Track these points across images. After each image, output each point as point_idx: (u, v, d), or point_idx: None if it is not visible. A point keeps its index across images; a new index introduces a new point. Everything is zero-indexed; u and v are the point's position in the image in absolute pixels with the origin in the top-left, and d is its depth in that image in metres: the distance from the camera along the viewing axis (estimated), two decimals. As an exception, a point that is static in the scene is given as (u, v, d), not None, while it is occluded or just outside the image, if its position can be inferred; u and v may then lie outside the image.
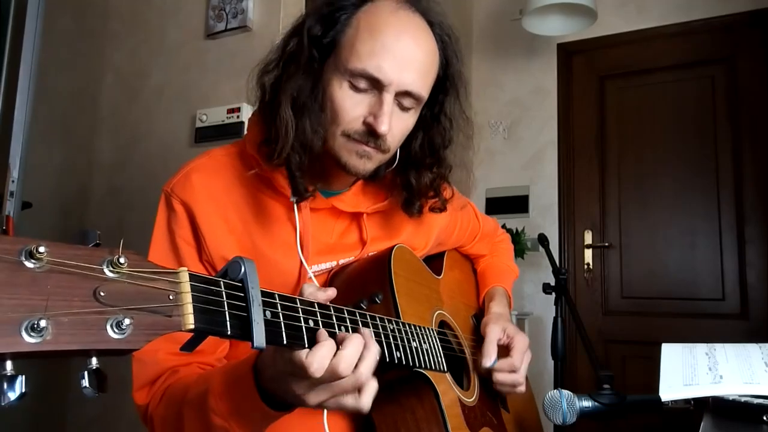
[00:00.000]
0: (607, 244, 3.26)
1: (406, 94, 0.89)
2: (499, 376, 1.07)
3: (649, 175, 3.20)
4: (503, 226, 1.52)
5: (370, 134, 0.88)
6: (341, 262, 1.01)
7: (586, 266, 3.29)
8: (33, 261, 0.44)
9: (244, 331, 0.60)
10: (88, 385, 0.48)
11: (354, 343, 0.69)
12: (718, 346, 0.98)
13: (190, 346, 0.59)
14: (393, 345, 0.82)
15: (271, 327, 0.63)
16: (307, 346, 0.66)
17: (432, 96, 0.97)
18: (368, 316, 0.80)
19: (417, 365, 0.87)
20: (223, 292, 0.59)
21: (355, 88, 0.88)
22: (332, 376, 0.67)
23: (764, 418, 0.76)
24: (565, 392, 0.90)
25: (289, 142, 0.87)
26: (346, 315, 0.75)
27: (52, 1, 2.14)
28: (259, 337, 0.60)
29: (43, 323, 0.43)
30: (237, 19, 2.24)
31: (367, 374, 0.70)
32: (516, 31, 3.43)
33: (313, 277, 0.95)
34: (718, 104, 3.12)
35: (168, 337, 0.53)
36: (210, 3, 2.31)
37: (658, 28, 3.26)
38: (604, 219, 3.29)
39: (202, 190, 0.93)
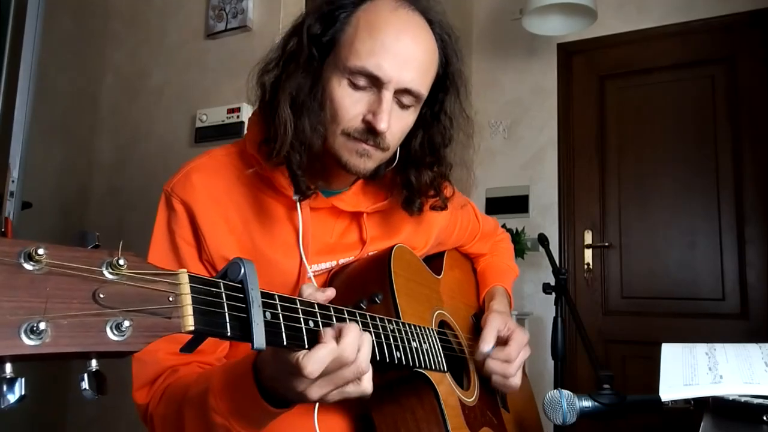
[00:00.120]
0: (607, 244, 3.26)
1: (406, 91, 0.89)
2: (491, 363, 1.06)
3: (649, 175, 3.20)
4: (503, 226, 1.53)
5: (370, 132, 0.88)
6: (341, 261, 1.01)
7: (586, 266, 3.29)
8: (32, 263, 0.44)
9: (244, 332, 0.60)
10: (87, 387, 0.48)
11: (352, 329, 0.70)
12: (718, 346, 0.98)
13: (190, 347, 0.59)
14: (393, 345, 0.82)
15: (270, 328, 0.63)
16: (306, 347, 0.66)
17: (432, 94, 0.97)
18: (368, 316, 0.80)
19: (417, 365, 0.87)
20: (223, 294, 0.59)
21: (355, 86, 0.88)
22: (338, 364, 0.68)
23: (764, 418, 0.76)
24: (565, 392, 0.90)
25: (288, 141, 0.87)
26: (346, 315, 0.75)
27: (52, 1, 2.14)
28: (259, 338, 0.60)
29: (42, 325, 0.43)
30: (237, 19, 2.24)
31: (367, 362, 0.71)
32: (516, 30, 3.43)
33: (312, 277, 0.95)
34: (718, 104, 3.12)
35: (168, 338, 0.53)
36: (210, 3, 2.31)
37: (657, 28, 3.26)
38: (604, 219, 3.29)
39: (203, 190, 0.93)
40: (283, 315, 0.65)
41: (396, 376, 0.90)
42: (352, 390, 0.72)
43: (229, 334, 0.58)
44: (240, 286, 0.61)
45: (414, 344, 0.88)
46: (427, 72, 0.92)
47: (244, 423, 0.74)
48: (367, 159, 0.91)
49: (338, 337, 0.69)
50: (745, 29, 3.10)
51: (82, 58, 2.53)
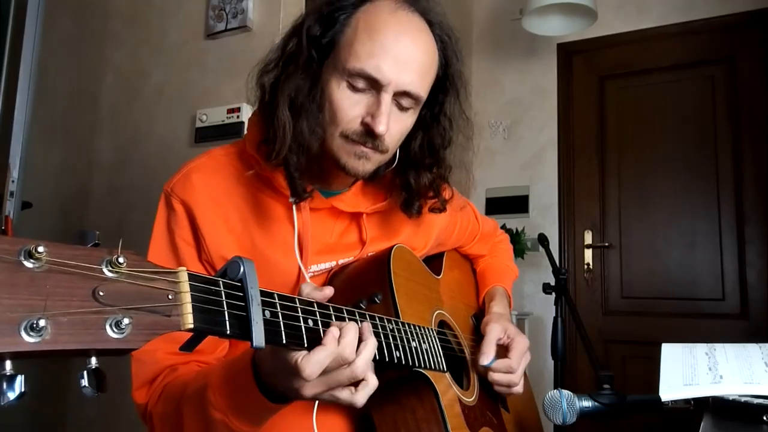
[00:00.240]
0: (607, 244, 3.26)
1: (405, 94, 0.89)
2: (495, 376, 1.07)
3: (649, 175, 3.20)
4: (503, 227, 1.53)
5: (368, 134, 0.88)
6: (341, 262, 1.01)
7: (586, 266, 3.29)
8: (32, 261, 0.45)
9: (243, 330, 0.60)
10: (87, 385, 0.48)
11: (351, 329, 0.70)
12: (718, 346, 0.98)
13: (189, 346, 0.59)
14: (392, 345, 0.82)
15: (270, 327, 0.63)
16: (306, 345, 0.67)
17: (432, 96, 0.96)
18: (367, 316, 0.80)
19: (416, 365, 0.87)
20: (222, 292, 0.59)
21: (354, 88, 0.88)
22: (337, 364, 0.68)
23: (764, 418, 0.76)
24: (565, 392, 0.90)
25: (286, 143, 0.87)
26: (345, 315, 0.75)
27: (52, 1, 2.14)
28: (259, 336, 0.60)
29: (42, 323, 0.43)
30: (237, 19, 2.24)
31: (363, 367, 0.71)
32: (516, 31, 3.43)
33: (307, 278, 0.95)
34: (718, 104, 3.12)
35: (167, 337, 0.53)
36: (210, 3, 2.31)
37: (658, 28, 3.26)
38: (604, 219, 3.29)
39: (202, 190, 0.93)
40: (282, 314, 0.65)
41: (396, 376, 0.90)
42: (345, 396, 0.72)
43: (228, 332, 0.58)
44: (239, 284, 0.61)
45: (413, 344, 0.88)
46: (426, 74, 0.92)
47: (242, 419, 0.75)
48: (365, 161, 0.91)
49: (338, 338, 0.69)
50: (745, 29, 3.10)
51: (82, 58, 2.53)
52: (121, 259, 0.49)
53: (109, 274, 0.49)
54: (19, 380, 0.44)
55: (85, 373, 0.48)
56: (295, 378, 0.67)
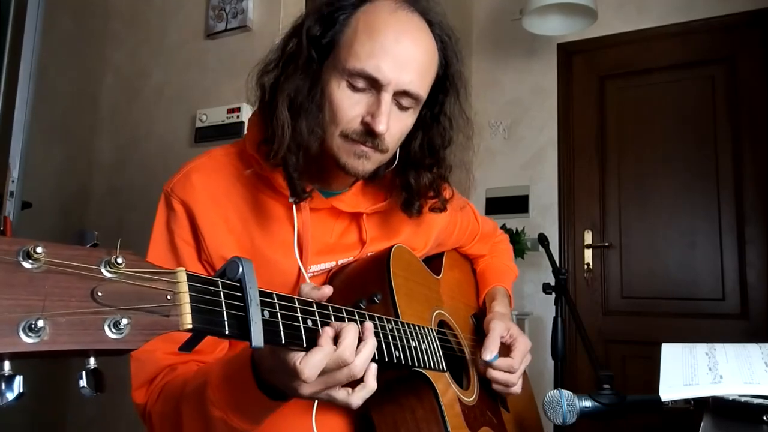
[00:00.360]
0: (607, 244, 3.26)
1: (405, 93, 0.89)
2: (495, 374, 1.07)
3: (649, 175, 3.20)
4: (503, 227, 1.53)
5: (368, 134, 0.88)
6: (340, 262, 1.01)
7: (586, 266, 3.29)
8: (30, 261, 0.44)
9: (242, 330, 0.60)
10: (86, 385, 0.48)
11: (351, 330, 0.70)
12: (718, 346, 0.98)
13: (188, 346, 0.59)
14: (392, 345, 0.82)
15: (269, 327, 0.63)
16: (305, 345, 0.66)
17: (432, 96, 0.96)
18: (367, 316, 0.80)
19: (416, 365, 0.87)
20: (221, 292, 0.59)
21: (354, 88, 0.88)
22: (336, 365, 0.68)
23: (764, 418, 0.76)
24: (565, 392, 0.90)
25: (285, 143, 0.87)
26: (344, 315, 0.75)
27: (52, 1, 2.14)
28: (257, 336, 0.60)
29: (40, 323, 0.43)
30: (237, 19, 2.24)
31: (362, 366, 0.71)
32: (516, 31, 3.43)
33: (307, 278, 0.95)
34: (718, 104, 3.12)
35: (166, 337, 0.53)
36: (210, 3, 2.31)
37: (657, 28, 3.26)
38: (604, 219, 3.29)
39: (202, 190, 0.93)
40: (281, 314, 0.65)
41: (395, 376, 0.90)
42: (341, 396, 0.72)
43: (227, 332, 0.58)
44: (238, 284, 0.61)
45: (413, 344, 0.88)
46: (426, 74, 0.92)
47: (242, 416, 0.75)
48: (365, 161, 0.91)
49: (336, 338, 0.69)
50: (745, 29, 3.10)
51: (82, 58, 2.53)
52: (119, 260, 0.49)
53: (108, 275, 0.49)
54: (18, 381, 0.44)
55: (83, 373, 0.48)
56: (294, 378, 0.67)
